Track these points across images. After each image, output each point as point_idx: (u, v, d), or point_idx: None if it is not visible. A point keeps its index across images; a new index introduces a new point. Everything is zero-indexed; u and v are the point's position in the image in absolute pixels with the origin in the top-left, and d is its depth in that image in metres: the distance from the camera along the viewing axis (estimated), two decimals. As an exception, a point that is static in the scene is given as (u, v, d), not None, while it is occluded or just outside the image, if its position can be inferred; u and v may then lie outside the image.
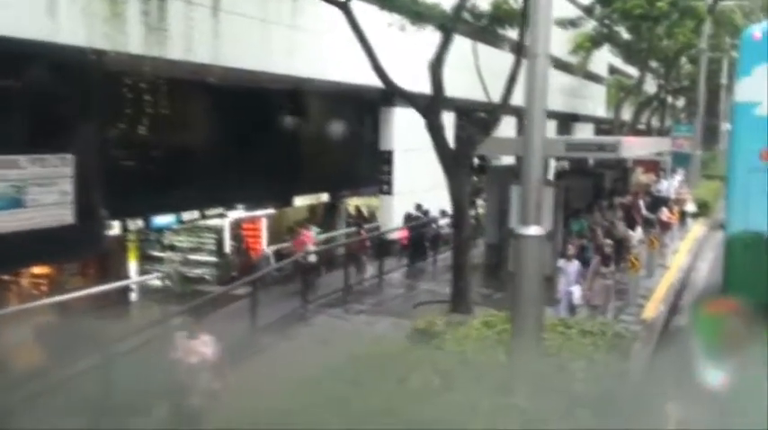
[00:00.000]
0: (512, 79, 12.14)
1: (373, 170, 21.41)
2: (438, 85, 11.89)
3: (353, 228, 20.91)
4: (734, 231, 6.83)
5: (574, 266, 11.06)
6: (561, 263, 11.13)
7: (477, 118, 12.29)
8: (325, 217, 22.73)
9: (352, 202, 23.09)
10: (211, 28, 13.51)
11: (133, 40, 11.34)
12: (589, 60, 29.10)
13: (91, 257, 15.06)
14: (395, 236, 19.31)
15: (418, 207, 20.40)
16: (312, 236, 17.84)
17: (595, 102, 40.78)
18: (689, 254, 18.06)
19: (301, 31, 15.68)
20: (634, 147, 14.64)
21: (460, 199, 11.80)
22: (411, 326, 9.12)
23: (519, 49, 12.07)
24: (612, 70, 44.31)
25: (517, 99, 10.00)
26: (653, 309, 12.46)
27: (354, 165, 21.25)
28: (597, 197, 17.83)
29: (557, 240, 14.87)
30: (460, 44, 13.69)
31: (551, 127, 36.09)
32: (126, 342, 8.58)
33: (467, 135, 12.24)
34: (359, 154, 21.32)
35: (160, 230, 18.09)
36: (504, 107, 12.25)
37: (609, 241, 11.85)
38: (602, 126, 41.21)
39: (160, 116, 12.64)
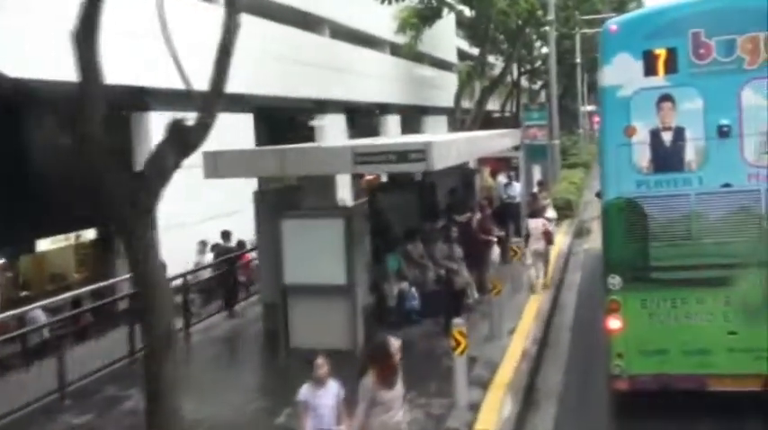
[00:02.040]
0: (224, 51, 7.01)
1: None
2: (86, 65, 6.59)
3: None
4: (609, 198, 7.50)
5: (329, 395, 5.74)
6: (304, 392, 5.75)
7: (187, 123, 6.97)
8: (96, 259, 17.74)
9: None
10: None
11: None
12: (419, 40, 24.55)
13: None
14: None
15: (225, 235, 15.13)
16: None
17: (449, 92, 36.92)
18: (551, 284, 13.54)
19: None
20: (456, 153, 9.54)
21: (145, 255, 6.50)
22: None
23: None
24: (463, 56, 40.63)
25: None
26: (491, 417, 7.59)
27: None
28: (429, 216, 13.07)
29: (355, 296, 9.84)
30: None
31: (394, 122, 31.77)
32: None
33: (155, 150, 7.01)
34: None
35: None
36: (215, 99, 7.09)
37: (396, 342, 5.61)
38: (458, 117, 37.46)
39: None
